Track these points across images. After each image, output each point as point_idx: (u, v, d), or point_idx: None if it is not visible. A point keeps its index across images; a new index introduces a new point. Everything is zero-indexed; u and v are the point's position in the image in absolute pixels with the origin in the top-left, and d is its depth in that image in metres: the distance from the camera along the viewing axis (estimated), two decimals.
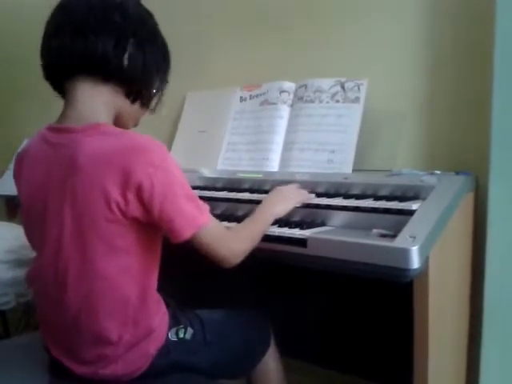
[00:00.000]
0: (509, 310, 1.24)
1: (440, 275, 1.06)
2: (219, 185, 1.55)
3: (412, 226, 0.99)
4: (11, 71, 2.80)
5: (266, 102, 1.64)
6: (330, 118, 1.48)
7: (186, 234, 0.92)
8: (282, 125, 1.58)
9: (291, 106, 1.59)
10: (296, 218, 1.23)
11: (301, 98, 1.56)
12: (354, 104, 1.46)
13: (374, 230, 1.05)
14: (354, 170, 1.40)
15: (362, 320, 1.51)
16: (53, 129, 1.00)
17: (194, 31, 1.97)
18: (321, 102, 1.51)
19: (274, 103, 1.61)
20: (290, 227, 1.13)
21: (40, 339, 1.08)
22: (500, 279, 1.24)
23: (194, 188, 1.28)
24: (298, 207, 1.21)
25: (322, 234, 1.09)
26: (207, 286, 1.74)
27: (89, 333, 0.97)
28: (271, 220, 1.12)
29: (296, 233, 1.09)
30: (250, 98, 1.70)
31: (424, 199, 1.11)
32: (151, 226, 0.94)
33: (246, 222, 1.09)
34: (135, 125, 1.12)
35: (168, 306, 1.09)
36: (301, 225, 1.13)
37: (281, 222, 1.15)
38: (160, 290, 1.05)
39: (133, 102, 1.04)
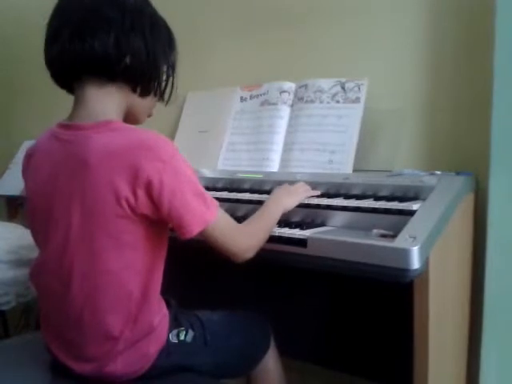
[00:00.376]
0: (509, 309, 1.24)
1: (440, 275, 1.06)
2: (219, 185, 1.55)
3: (412, 227, 0.99)
4: (12, 71, 2.80)
5: (266, 102, 1.64)
6: (330, 118, 1.48)
7: (194, 230, 0.92)
8: (282, 125, 1.58)
9: (291, 106, 1.59)
10: (296, 218, 1.23)
11: (301, 99, 1.56)
12: (354, 104, 1.46)
13: (375, 231, 1.05)
14: (354, 171, 1.40)
15: (362, 320, 1.51)
16: (63, 126, 1.00)
17: (194, 31, 1.97)
18: (321, 102, 1.51)
19: (274, 103, 1.61)
20: (290, 227, 1.13)
21: (40, 339, 1.08)
22: (500, 279, 1.24)
23: None
24: (298, 207, 1.21)
25: (323, 234, 1.09)
26: (208, 285, 1.74)
27: (91, 328, 0.97)
28: (280, 213, 1.14)
29: (296, 233, 1.09)
30: (251, 98, 1.70)
31: (424, 199, 1.11)
32: (159, 223, 0.95)
33: (255, 216, 1.10)
34: (149, 115, 1.12)
35: (169, 306, 1.09)
36: (301, 225, 1.13)
37: (281, 222, 1.15)
38: (161, 290, 1.04)
39: (143, 96, 1.03)
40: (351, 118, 1.45)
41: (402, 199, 1.14)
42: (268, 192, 1.35)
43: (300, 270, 1.11)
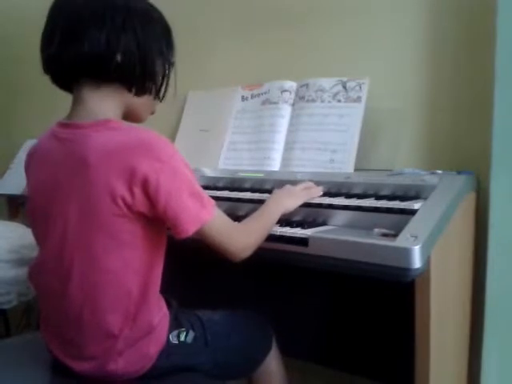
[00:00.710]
0: (510, 309, 1.24)
1: (441, 274, 1.06)
2: (220, 184, 1.55)
3: (413, 226, 0.99)
4: (13, 71, 2.80)
5: (267, 102, 1.64)
6: (331, 117, 1.48)
7: (190, 229, 0.92)
8: (283, 124, 1.58)
9: (293, 105, 1.59)
10: (297, 218, 1.23)
11: (302, 98, 1.56)
12: (355, 103, 1.46)
13: (376, 230, 1.05)
14: (355, 170, 1.40)
15: (363, 319, 1.51)
16: (62, 125, 1.00)
17: (195, 30, 1.97)
18: (322, 101, 1.51)
19: (275, 102, 1.61)
20: (291, 226, 1.13)
21: (41, 338, 1.08)
22: (501, 278, 1.24)
23: None
24: (299, 206, 1.21)
25: (324, 233, 1.09)
26: (208, 285, 1.74)
27: (91, 326, 0.97)
28: (279, 213, 1.13)
29: (297, 232, 1.09)
30: (252, 98, 1.69)
31: (425, 199, 1.11)
32: (157, 221, 0.95)
33: (254, 215, 1.10)
34: (152, 113, 1.11)
35: (170, 306, 1.09)
36: (302, 224, 1.13)
37: (282, 222, 1.15)
38: (162, 290, 1.04)
39: (139, 95, 1.02)
40: (352, 117, 1.45)
41: (403, 198, 1.14)
42: (269, 191, 1.35)
43: (301, 269, 1.11)
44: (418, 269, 0.92)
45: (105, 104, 0.99)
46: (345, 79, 1.50)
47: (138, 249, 0.96)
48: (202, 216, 0.94)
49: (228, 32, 1.91)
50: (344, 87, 1.49)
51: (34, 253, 1.07)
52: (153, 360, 1.01)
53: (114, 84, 0.99)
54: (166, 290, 1.07)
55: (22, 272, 1.72)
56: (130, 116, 1.06)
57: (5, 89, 2.85)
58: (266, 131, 1.60)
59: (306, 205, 1.23)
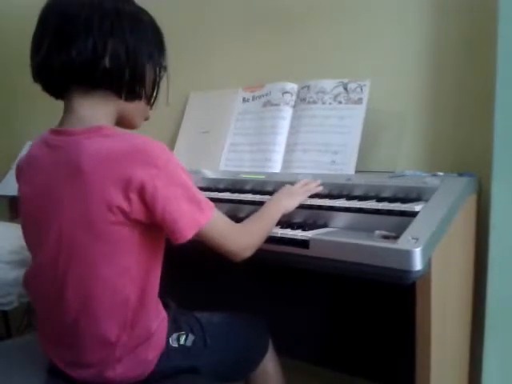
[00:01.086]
0: (511, 312, 1.24)
1: (442, 277, 1.06)
2: (221, 186, 1.55)
3: (415, 228, 0.98)
4: (15, 71, 2.80)
5: (268, 103, 1.64)
6: (332, 119, 1.48)
7: (187, 234, 0.91)
8: (284, 126, 1.58)
9: (294, 107, 1.59)
10: (298, 219, 1.23)
11: (303, 99, 1.56)
12: (356, 105, 1.46)
13: (377, 232, 1.05)
14: (356, 171, 1.40)
15: (363, 321, 1.51)
16: (54, 132, 0.99)
17: (196, 32, 1.97)
18: (323, 103, 1.51)
19: (276, 104, 1.61)
20: (292, 228, 1.13)
21: (39, 342, 1.08)
22: (502, 281, 1.24)
23: None
24: (300, 208, 1.21)
25: (325, 235, 1.09)
26: (208, 286, 1.74)
27: (88, 334, 0.96)
28: (279, 214, 1.13)
29: (298, 234, 1.09)
30: (253, 99, 1.70)
31: (427, 201, 1.11)
32: (154, 228, 0.94)
33: (254, 216, 1.10)
34: (146, 119, 1.09)
35: (168, 308, 1.08)
36: (303, 226, 1.13)
37: (283, 224, 1.15)
38: (160, 291, 1.04)
39: (129, 100, 1.00)
40: (354, 118, 1.45)
41: (404, 200, 1.14)
42: (270, 193, 1.35)
43: (302, 271, 1.11)
44: (418, 271, 0.92)
45: (96, 111, 0.97)
46: (346, 81, 1.50)
47: (135, 256, 0.94)
48: (200, 220, 0.93)
49: (229, 33, 1.91)
50: (345, 89, 1.49)
51: None
52: (152, 364, 1.00)
53: (104, 90, 0.97)
54: (165, 292, 1.06)
55: (23, 273, 1.72)
56: (122, 122, 1.04)
57: (6, 89, 2.85)
58: (267, 133, 1.60)
59: (307, 207, 1.23)
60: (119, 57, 0.94)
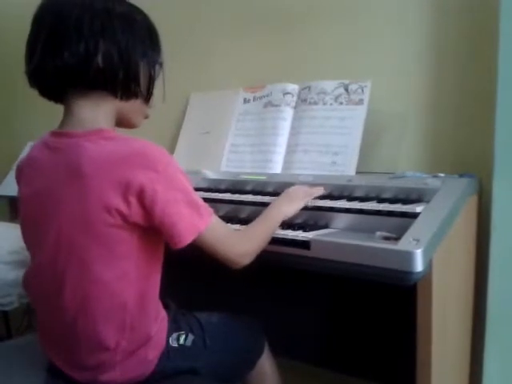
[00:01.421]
0: None
1: (443, 278, 1.06)
2: (222, 186, 1.55)
3: (415, 229, 0.98)
4: (14, 73, 2.80)
5: (269, 104, 1.64)
6: (333, 120, 1.48)
7: (186, 239, 0.91)
8: (285, 127, 1.58)
9: (295, 107, 1.59)
10: (299, 220, 1.23)
11: (304, 100, 1.56)
12: (357, 106, 1.46)
13: (378, 233, 1.05)
14: (357, 172, 1.40)
15: (364, 322, 1.51)
16: (54, 134, 0.99)
17: (196, 32, 1.97)
18: (324, 104, 1.51)
19: (277, 105, 1.61)
20: (293, 229, 1.13)
21: (39, 343, 1.08)
22: (503, 282, 1.24)
23: (197, 190, 1.29)
24: (301, 209, 1.21)
25: (326, 236, 1.09)
26: (208, 287, 1.74)
27: (86, 338, 0.96)
28: (279, 219, 1.13)
29: (299, 235, 1.09)
30: (254, 100, 1.69)
31: (428, 202, 1.11)
32: (153, 231, 0.93)
33: (254, 222, 1.09)
34: (146, 117, 1.09)
35: (168, 308, 1.08)
36: (304, 227, 1.13)
37: (284, 225, 1.15)
38: (160, 292, 1.04)
39: (125, 99, 1.00)
40: (354, 119, 1.45)
41: (405, 201, 1.14)
42: (271, 194, 1.35)
43: (303, 271, 1.11)
44: (419, 272, 0.92)
45: (95, 112, 0.97)
46: (347, 82, 1.49)
47: (134, 260, 0.94)
48: (199, 225, 0.93)
49: (229, 34, 1.91)
50: (346, 90, 1.49)
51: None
52: (152, 365, 1.00)
53: (100, 91, 0.97)
54: (165, 293, 1.06)
55: (23, 273, 1.72)
56: (122, 122, 1.04)
57: (6, 90, 2.85)
58: (268, 134, 1.60)
59: (308, 208, 1.23)
60: (112, 56, 0.94)
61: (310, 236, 1.07)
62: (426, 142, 1.48)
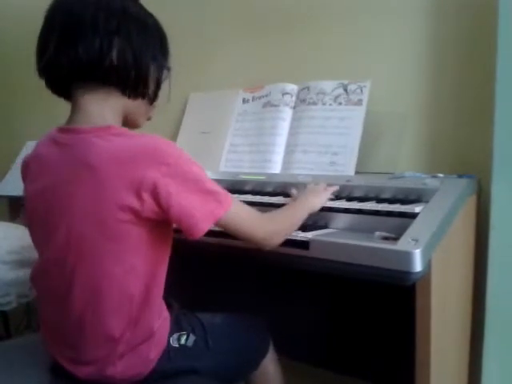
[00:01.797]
0: (511, 313, 1.24)
1: (442, 278, 1.06)
2: (221, 186, 1.55)
3: (414, 229, 0.98)
4: (14, 72, 2.80)
5: (268, 104, 1.64)
6: (332, 120, 1.48)
7: (202, 229, 0.92)
8: (284, 127, 1.58)
9: (294, 108, 1.59)
10: None
11: (303, 100, 1.56)
12: (356, 106, 1.46)
13: (377, 233, 1.05)
14: (356, 173, 1.40)
15: (363, 322, 1.51)
16: (62, 130, 1.00)
17: (196, 33, 1.97)
18: (324, 104, 1.51)
19: (276, 105, 1.61)
20: None
21: (41, 340, 1.08)
22: (502, 281, 1.24)
23: None
24: None
25: (325, 236, 1.09)
26: (209, 287, 1.74)
27: (92, 330, 0.97)
28: (306, 209, 1.15)
29: (298, 235, 1.09)
30: (253, 100, 1.70)
31: (427, 202, 1.11)
32: (164, 225, 0.94)
33: (280, 208, 1.12)
34: (149, 118, 1.11)
35: (170, 309, 1.08)
36: (303, 227, 1.13)
37: None
38: (163, 291, 1.04)
39: (133, 98, 1.01)
40: (354, 120, 1.45)
41: (404, 202, 1.14)
42: (270, 194, 1.36)
43: (302, 271, 1.11)
44: (418, 272, 0.92)
45: (104, 108, 0.98)
46: (346, 82, 1.50)
47: (143, 253, 0.95)
48: (216, 211, 0.93)
49: (229, 34, 1.91)
50: (345, 90, 1.49)
51: (35, 254, 1.06)
52: (153, 364, 1.01)
53: (110, 88, 0.98)
54: (168, 292, 1.07)
55: (22, 273, 1.72)
56: (127, 122, 1.05)
57: (6, 89, 2.86)
58: (267, 134, 1.60)
59: None
60: (125, 55, 0.95)
61: (309, 236, 1.07)
62: (425, 143, 1.49)
